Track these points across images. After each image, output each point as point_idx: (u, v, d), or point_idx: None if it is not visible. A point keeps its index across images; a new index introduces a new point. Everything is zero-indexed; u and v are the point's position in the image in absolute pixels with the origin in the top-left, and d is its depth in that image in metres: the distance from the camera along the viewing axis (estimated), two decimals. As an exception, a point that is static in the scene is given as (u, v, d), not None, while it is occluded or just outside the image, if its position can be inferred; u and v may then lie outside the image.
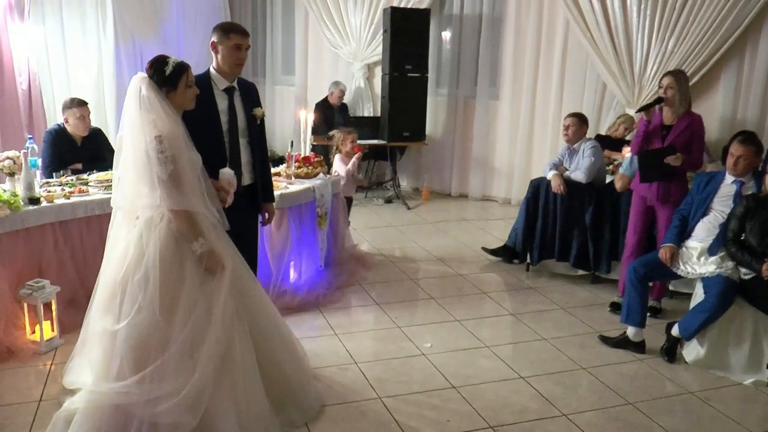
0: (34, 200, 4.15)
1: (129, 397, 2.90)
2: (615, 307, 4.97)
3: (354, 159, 5.93)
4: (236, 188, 3.41)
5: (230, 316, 3.05)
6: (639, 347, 4.31)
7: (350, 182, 6.01)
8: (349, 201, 6.11)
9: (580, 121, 5.65)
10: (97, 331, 3.10)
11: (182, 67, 3.09)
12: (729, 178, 4.36)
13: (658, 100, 4.65)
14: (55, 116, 7.12)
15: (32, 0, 6.97)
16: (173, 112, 3.01)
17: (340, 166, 5.98)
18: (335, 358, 4.08)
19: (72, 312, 4.23)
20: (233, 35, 3.55)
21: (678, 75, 4.63)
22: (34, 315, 3.96)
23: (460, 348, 4.30)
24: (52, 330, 4.06)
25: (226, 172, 3.35)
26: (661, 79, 4.67)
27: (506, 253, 6.06)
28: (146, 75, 3.04)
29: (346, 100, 8.98)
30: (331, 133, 6.07)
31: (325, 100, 8.70)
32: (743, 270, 4.05)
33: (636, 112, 5.25)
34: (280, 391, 3.27)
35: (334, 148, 6.10)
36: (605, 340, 4.41)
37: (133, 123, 2.98)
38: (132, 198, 3.05)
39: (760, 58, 6.66)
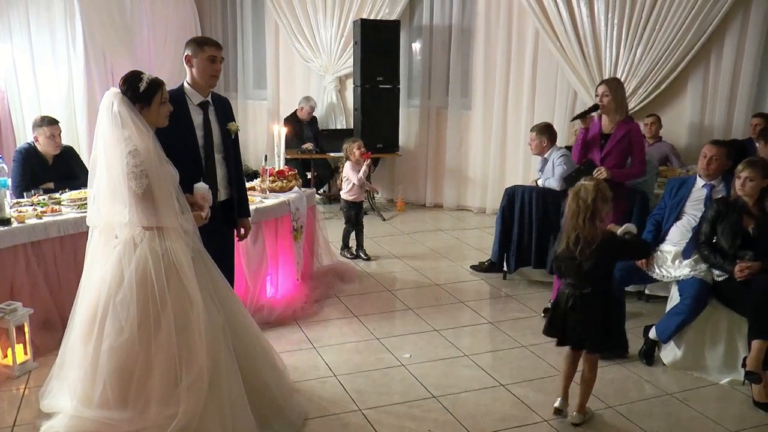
0: (4, 221, 4.05)
1: (112, 428, 2.86)
2: None
3: (364, 166, 6.22)
4: (212, 203, 3.37)
5: (216, 335, 3.01)
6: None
7: (359, 188, 6.32)
8: (359, 205, 6.37)
9: (539, 133, 5.72)
10: (77, 354, 3.04)
11: (157, 84, 3.06)
12: (699, 182, 4.44)
13: (594, 108, 4.73)
14: (25, 135, 7.01)
15: (-2, 18, 6.89)
16: (146, 128, 2.97)
17: (351, 174, 6.28)
18: (314, 372, 4.07)
19: (46, 334, 4.15)
20: (207, 47, 3.54)
21: (612, 82, 4.71)
22: (6, 338, 3.87)
23: (440, 358, 4.30)
24: (26, 353, 3.97)
25: (201, 187, 3.30)
26: (597, 87, 4.75)
27: (494, 269, 5.99)
28: (119, 91, 3.00)
29: (318, 113, 8.98)
30: (344, 146, 6.46)
31: (294, 114, 8.69)
32: (716, 272, 4.12)
33: (572, 120, 5.32)
34: (264, 406, 3.23)
35: (344, 158, 6.41)
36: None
37: (106, 139, 2.94)
38: (107, 216, 3.01)
39: (724, 64, 6.82)
